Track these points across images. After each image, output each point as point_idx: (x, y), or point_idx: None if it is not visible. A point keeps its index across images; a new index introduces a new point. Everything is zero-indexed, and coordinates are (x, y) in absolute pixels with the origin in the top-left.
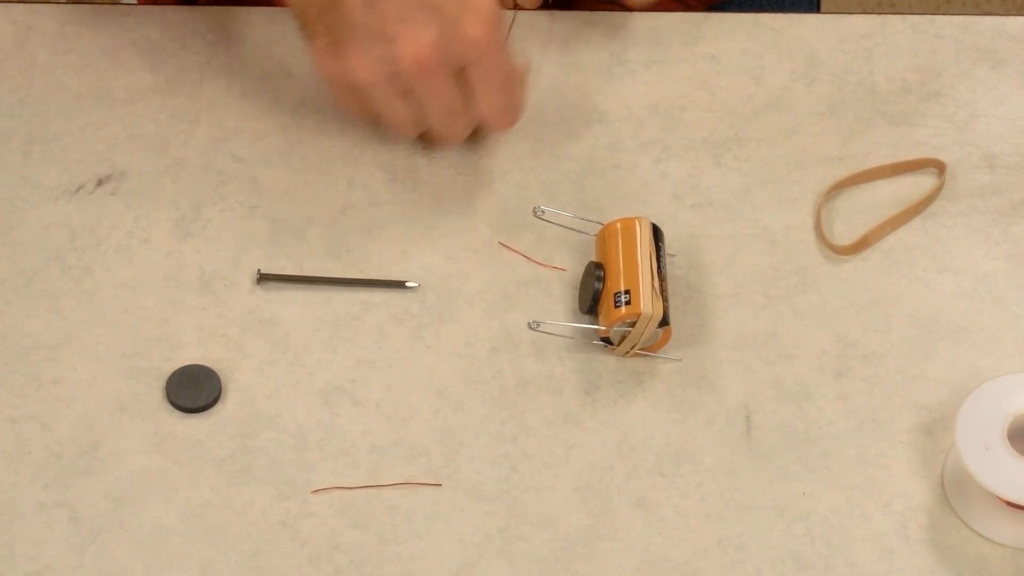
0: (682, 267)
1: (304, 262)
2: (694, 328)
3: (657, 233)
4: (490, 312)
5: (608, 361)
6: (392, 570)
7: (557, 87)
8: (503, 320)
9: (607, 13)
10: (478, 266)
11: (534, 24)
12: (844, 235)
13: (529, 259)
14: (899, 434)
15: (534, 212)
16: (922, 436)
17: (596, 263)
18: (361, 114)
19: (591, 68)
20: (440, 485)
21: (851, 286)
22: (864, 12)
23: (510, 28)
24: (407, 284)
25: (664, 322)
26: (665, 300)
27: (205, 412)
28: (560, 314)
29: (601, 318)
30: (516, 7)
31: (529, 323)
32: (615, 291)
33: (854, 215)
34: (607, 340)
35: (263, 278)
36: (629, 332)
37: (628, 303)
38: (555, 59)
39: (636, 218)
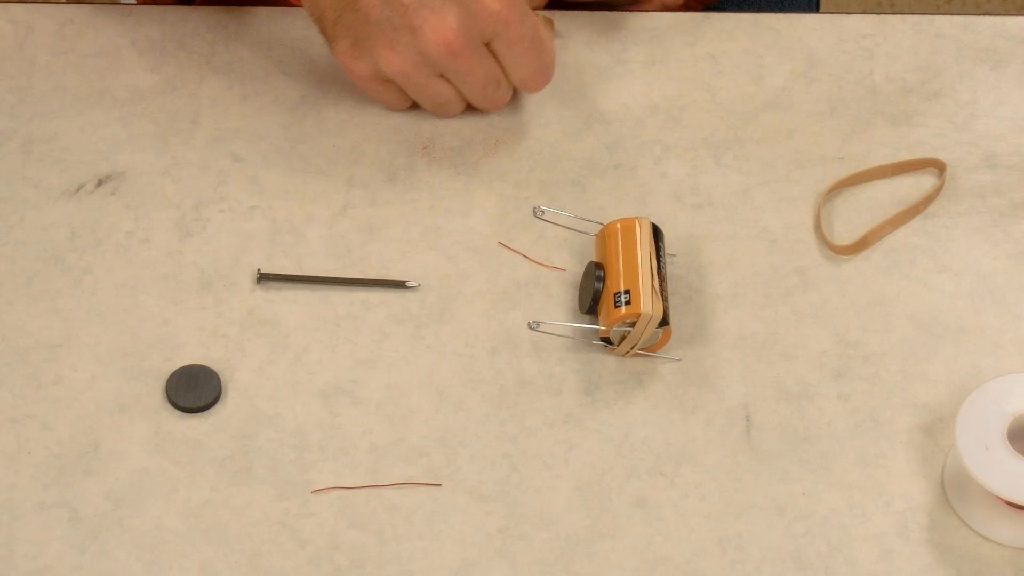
0: (682, 267)
1: (304, 262)
2: (694, 328)
3: (657, 233)
4: (490, 312)
5: (608, 361)
6: (392, 570)
7: (557, 87)
8: (503, 320)
9: (607, 13)
10: (478, 266)
11: None
12: (844, 235)
13: (529, 259)
14: (899, 434)
15: (534, 212)
16: (922, 436)
17: (596, 263)
18: (400, 103)
19: (591, 68)
20: (440, 485)
21: (851, 286)
22: (864, 12)
23: None
24: (407, 284)
25: (664, 322)
26: (665, 300)
27: (205, 412)
28: (560, 314)
29: (601, 318)
30: None
31: (529, 323)
32: (615, 291)
33: (854, 215)
34: (607, 340)
35: (263, 278)
36: (629, 332)
37: (628, 303)
38: (555, 59)
39: (636, 218)
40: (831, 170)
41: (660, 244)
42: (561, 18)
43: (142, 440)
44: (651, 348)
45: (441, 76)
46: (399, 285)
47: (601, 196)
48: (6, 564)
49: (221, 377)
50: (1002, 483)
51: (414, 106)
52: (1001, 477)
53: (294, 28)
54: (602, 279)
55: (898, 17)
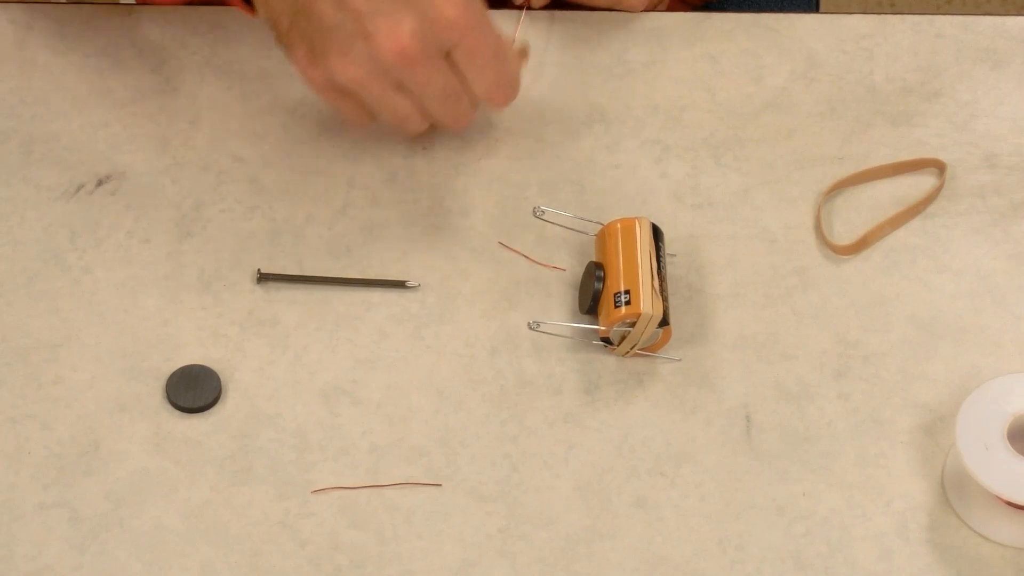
0: (682, 267)
1: (304, 262)
2: (694, 328)
3: (657, 233)
4: (490, 312)
5: (608, 361)
6: (392, 570)
7: (557, 87)
8: (503, 320)
9: (607, 13)
10: (478, 266)
11: (534, 24)
12: (844, 235)
13: (529, 259)
14: (899, 434)
15: (534, 212)
16: (922, 436)
17: (596, 263)
18: (359, 118)
19: (591, 68)
20: (440, 485)
21: (851, 286)
22: (864, 12)
23: (518, 26)
24: (407, 284)
25: (664, 322)
26: (665, 300)
27: (205, 412)
28: (560, 314)
29: (601, 318)
30: (527, 7)
31: (529, 323)
32: (615, 291)
33: (854, 215)
34: (607, 340)
35: (263, 278)
36: (629, 332)
37: (628, 303)
38: (555, 59)
39: (636, 218)
40: (831, 170)
41: (660, 244)
42: (561, 18)
43: (142, 440)
44: (651, 348)
45: (399, 89)
46: (399, 285)
47: (601, 196)
48: (6, 564)
49: (221, 377)
50: (1002, 483)
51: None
52: (1001, 477)
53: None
54: (602, 279)
55: (898, 17)
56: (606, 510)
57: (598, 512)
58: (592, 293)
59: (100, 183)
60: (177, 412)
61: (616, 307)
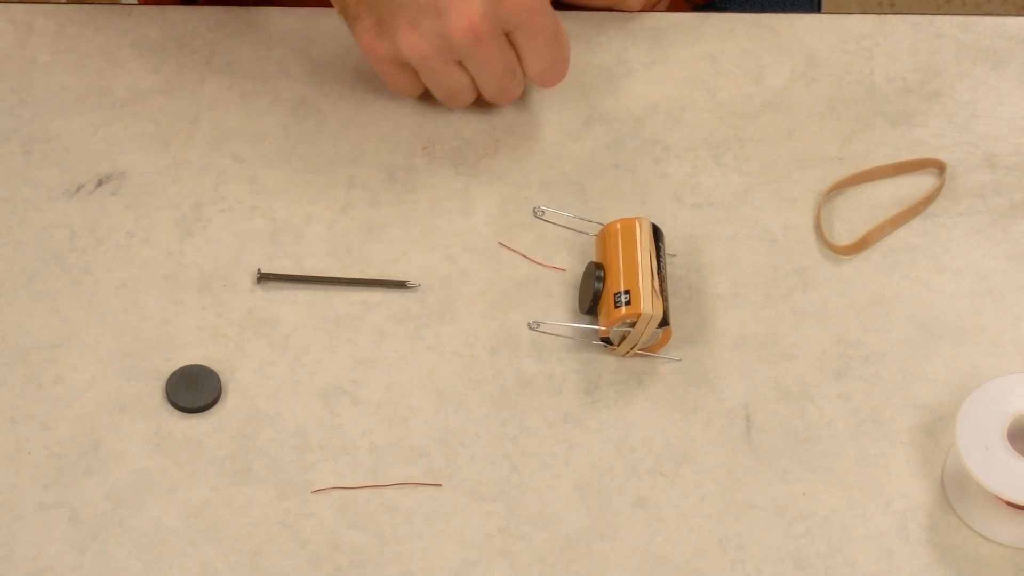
0: (682, 267)
1: (304, 262)
2: (694, 328)
3: (657, 233)
4: (490, 312)
5: (608, 361)
6: (392, 570)
7: (557, 87)
8: (503, 320)
9: (607, 13)
10: (478, 266)
11: None
12: (844, 235)
13: (529, 259)
14: (899, 434)
15: (534, 212)
16: (922, 436)
17: (596, 263)
18: (412, 90)
19: (591, 68)
20: (440, 485)
21: (851, 286)
22: (864, 12)
23: None
24: (407, 284)
25: (664, 322)
26: (665, 300)
27: (205, 412)
28: (560, 314)
29: (601, 318)
30: None
31: (529, 323)
32: (615, 291)
33: (854, 215)
34: (607, 340)
35: (263, 278)
36: (629, 332)
37: (628, 303)
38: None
39: (636, 218)
40: (831, 170)
41: (660, 244)
42: (561, 18)
43: (142, 440)
44: (651, 348)
45: (459, 64)
46: (399, 285)
47: (601, 196)
48: (6, 564)
49: (221, 377)
50: (1002, 483)
51: (423, 96)
52: (1001, 477)
53: (294, 28)
54: (602, 279)
55: (898, 17)
56: (606, 510)
57: (598, 512)
58: (592, 293)
59: (100, 183)
60: (177, 412)
61: (616, 307)
